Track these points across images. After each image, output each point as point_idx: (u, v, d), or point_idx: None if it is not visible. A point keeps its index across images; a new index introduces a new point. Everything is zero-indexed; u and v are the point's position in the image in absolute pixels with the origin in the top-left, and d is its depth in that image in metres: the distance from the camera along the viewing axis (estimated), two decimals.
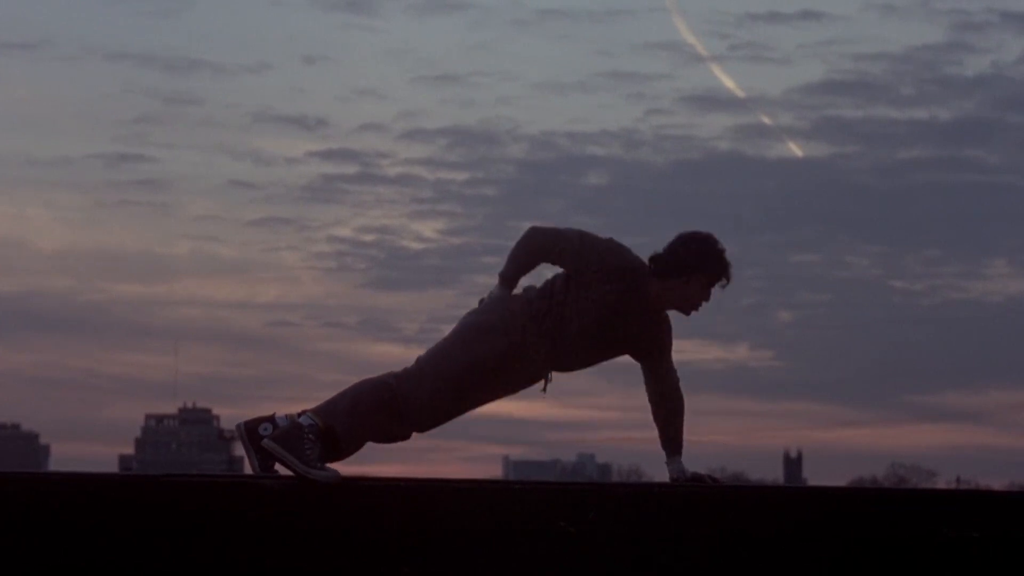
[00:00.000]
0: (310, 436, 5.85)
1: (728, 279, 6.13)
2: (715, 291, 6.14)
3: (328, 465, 5.83)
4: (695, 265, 6.08)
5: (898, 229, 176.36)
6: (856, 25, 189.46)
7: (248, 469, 6.15)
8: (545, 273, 6.25)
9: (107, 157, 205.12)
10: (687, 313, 6.17)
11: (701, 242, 6.11)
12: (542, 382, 6.20)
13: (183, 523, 5.53)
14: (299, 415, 5.99)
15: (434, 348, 6.11)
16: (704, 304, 6.16)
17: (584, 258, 6.09)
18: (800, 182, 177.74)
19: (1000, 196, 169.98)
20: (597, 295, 6.06)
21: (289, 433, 5.86)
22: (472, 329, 6.09)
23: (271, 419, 6.07)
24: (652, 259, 6.12)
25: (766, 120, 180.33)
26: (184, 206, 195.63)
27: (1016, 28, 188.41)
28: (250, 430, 6.06)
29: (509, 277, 6.15)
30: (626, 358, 6.25)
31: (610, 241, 6.14)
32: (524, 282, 6.23)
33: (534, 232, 6.15)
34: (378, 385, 6.04)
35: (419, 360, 6.10)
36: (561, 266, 6.15)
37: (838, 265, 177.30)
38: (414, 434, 6.15)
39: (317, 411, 5.98)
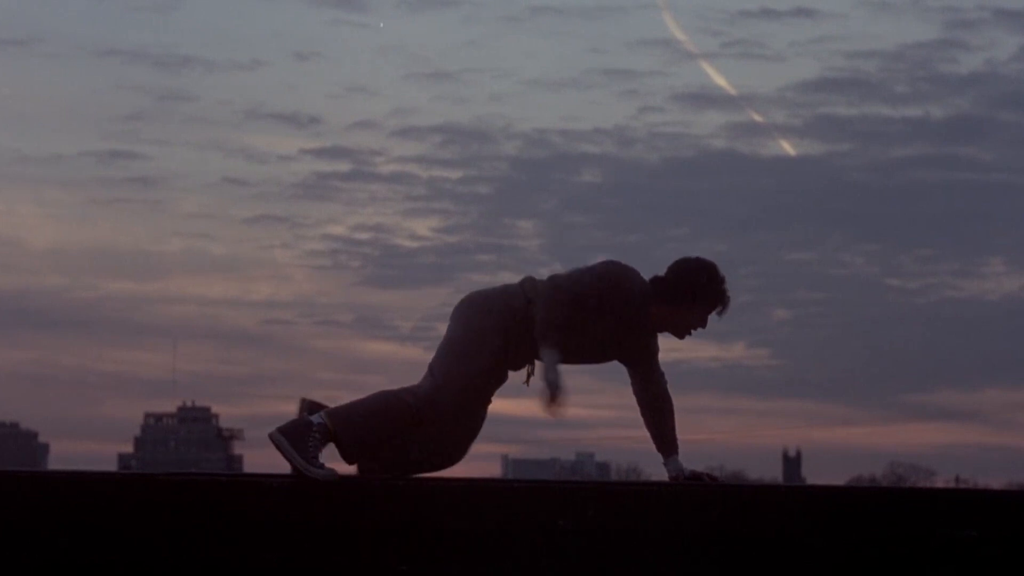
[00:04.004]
0: (316, 435, 5.90)
1: (725, 308, 6.19)
2: (711, 318, 6.21)
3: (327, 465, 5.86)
4: (697, 294, 6.15)
5: (893, 227, 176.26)
6: (849, 22, 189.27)
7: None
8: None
9: (99, 154, 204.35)
10: (681, 337, 6.23)
11: (704, 272, 6.17)
12: (525, 375, 6.23)
13: (183, 522, 5.53)
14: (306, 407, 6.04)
15: (448, 369, 6.09)
16: (699, 329, 6.22)
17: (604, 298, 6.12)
18: (795, 180, 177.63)
19: (995, 194, 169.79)
20: (596, 323, 6.13)
21: (295, 428, 5.91)
22: (475, 339, 6.10)
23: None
24: (654, 282, 6.16)
25: (757, 118, 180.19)
26: (176, 203, 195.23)
27: (1009, 25, 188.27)
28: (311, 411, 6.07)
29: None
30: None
31: (621, 272, 6.15)
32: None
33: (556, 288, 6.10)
34: (401, 409, 6.04)
35: (438, 386, 6.08)
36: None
37: (833, 263, 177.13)
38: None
39: (332, 413, 6.00)
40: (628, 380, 6.34)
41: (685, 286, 6.14)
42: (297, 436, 5.88)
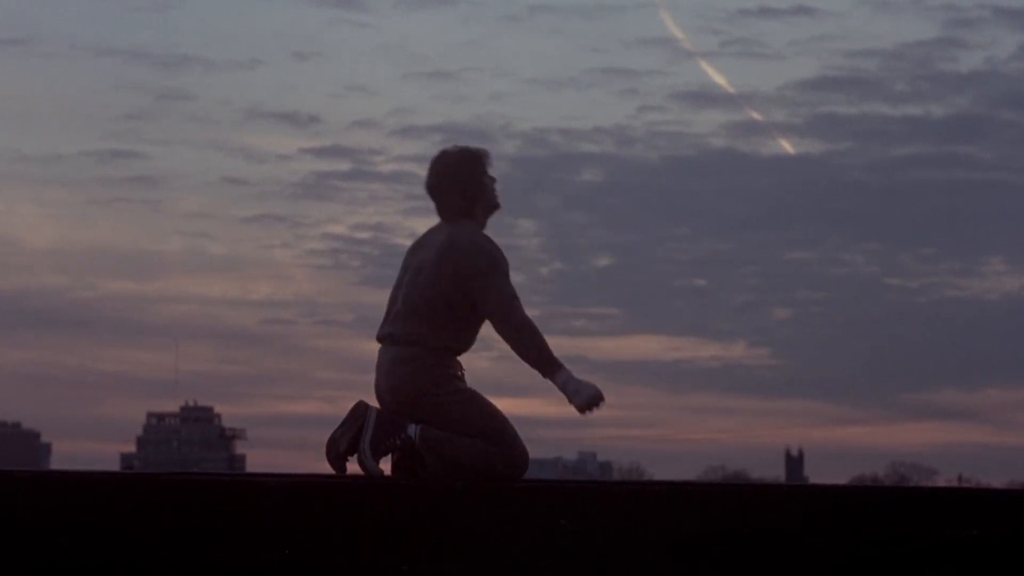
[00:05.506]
0: (397, 441, 6.26)
1: (488, 161, 6.55)
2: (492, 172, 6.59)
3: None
4: (478, 184, 6.51)
5: (893, 227, 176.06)
6: (849, 21, 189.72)
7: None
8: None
9: (98, 154, 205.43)
10: (499, 206, 6.57)
11: (458, 164, 6.52)
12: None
13: (183, 522, 5.53)
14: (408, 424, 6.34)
15: (493, 438, 6.36)
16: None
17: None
18: (794, 179, 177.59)
19: (994, 193, 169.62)
20: None
21: (391, 421, 6.28)
22: (466, 408, 6.39)
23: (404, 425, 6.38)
24: (448, 213, 6.53)
25: (756, 116, 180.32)
26: (176, 203, 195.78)
27: (1009, 24, 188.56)
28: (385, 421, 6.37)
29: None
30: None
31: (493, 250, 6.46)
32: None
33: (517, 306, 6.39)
34: (489, 468, 6.30)
35: (503, 451, 6.35)
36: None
37: (833, 262, 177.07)
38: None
39: (425, 433, 6.28)
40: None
41: (468, 190, 6.49)
42: (385, 428, 6.25)
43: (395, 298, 6.51)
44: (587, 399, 6.25)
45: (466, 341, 6.46)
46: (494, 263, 6.35)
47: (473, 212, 6.52)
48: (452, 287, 6.34)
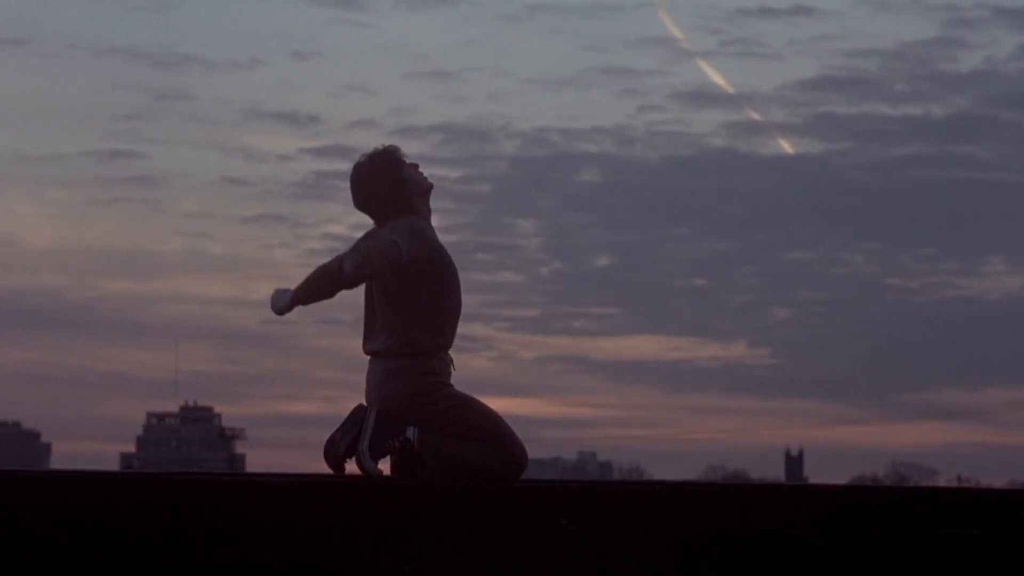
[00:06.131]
0: (395, 444, 6.32)
1: (399, 152, 6.58)
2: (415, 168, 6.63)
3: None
4: (401, 178, 6.52)
5: (893, 227, 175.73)
6: (848, 21, 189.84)
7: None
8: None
9: (98, 154, 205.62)
10: (431, 186, 6.66)
11: (375, 169, 6.54)
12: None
13: (183, 522, 5.53)
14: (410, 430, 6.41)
15: (491, 435, 6.46)
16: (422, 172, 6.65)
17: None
18: (794, 179, 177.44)
19: (994, 193, 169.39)
20: None
21: (389, 424, 6.34)
22: (462, 412, 6.47)
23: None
24: (386, 218, 6.52)
25: (755, 116, 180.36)
26: (176, 203, 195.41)
27: (1009, 24, 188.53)
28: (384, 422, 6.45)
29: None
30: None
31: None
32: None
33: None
34: (488, 470, 6.38)
35: (502, 448, 6.44)
36: None
37: (833, 262, 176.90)
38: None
39: (423, 434, 6.35)
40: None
41: (396, 187, 6.50)
42: (384, 429, 6.33)
43: (371, 313, 6.50)
44: (275, 307, 6.40)
45: (450, 332, 6.51)
46: (402, 226, 6.41)
47: (410, 206, 6.54)
48: (402, 281, 6.36)
